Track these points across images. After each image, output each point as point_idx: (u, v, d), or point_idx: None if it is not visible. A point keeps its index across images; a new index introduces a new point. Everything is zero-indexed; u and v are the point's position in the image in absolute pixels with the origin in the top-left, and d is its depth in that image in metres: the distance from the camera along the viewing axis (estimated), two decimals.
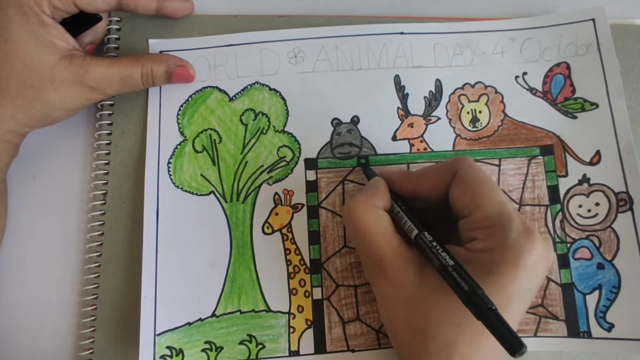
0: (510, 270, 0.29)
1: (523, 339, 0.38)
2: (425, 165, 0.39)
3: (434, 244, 0.31)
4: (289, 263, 0.38)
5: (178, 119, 0.40)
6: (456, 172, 0.33)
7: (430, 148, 0.40)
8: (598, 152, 0.40)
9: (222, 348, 0.37)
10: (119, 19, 0.42)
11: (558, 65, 0.42)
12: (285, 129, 0.40)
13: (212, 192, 0.39)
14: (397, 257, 0.31)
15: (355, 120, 0.40)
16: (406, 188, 0.34)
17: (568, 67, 0.41)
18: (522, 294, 0.29)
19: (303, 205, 0.39)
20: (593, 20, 0.42)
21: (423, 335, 0.30)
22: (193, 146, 0.40)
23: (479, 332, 0.29)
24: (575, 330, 0.37)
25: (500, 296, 0.28)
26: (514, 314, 0.29)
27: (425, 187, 0.34)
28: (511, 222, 0.30)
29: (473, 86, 0.41)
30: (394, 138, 0.40)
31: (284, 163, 0.40)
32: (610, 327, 0.37)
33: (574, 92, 0.41)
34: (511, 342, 0.26)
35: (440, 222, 0.34)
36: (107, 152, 0.40)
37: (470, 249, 0.31)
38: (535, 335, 0.37)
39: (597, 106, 0.41)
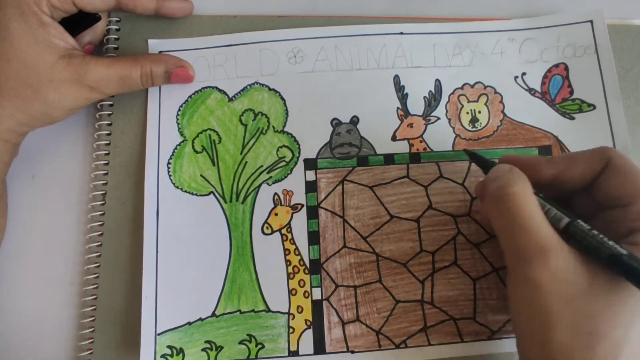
0: None
1: None
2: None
3: (595, 231, 0.28)
4: (288, 263, 0.38)
5: (177, 119, 0.40)
6: (610, 160, 0.31)
7: (430, 148, 0.40)
8: None
9: (222, 347, 0.37)
10: (118, 19, 0.42)
11: (557, 66, 0.42)
12: (285, 129, 0.40)
13: (211, 192, 0.39)
14: (563, 250, 0.28)
15: (354, 121, 0.40)
16: (548, 174, 0.32)
17: (566, 68, 0.42)
18: None
19: (302, 205, 0.39)
20: (591, 22, 0.42)
21: (590, 337, 0.27)
22: (193, 146, 0.40)
23: None
24: None
25: None
26: None
27: (572, 172, 0.32)
28: None
29: (472, 86, 0.41)
30: (394, 138, 0.40)
31: (284, 163, 0.40)
32: None
33: (572, 93, 0.41)
34: None
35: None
36: (107, 152, 0.40)
37: (634, 242, 0.29)
38: None
39: (595, 107, 0.41)
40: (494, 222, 0.32)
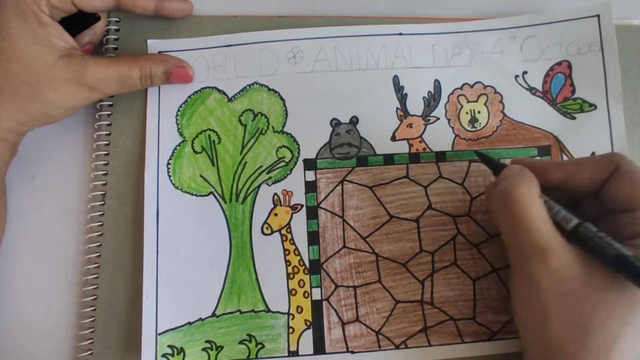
0: None
1: (519, 340, 0.38)
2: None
3: (602, 234, 0.30)
4: (288, 263, 0.38)
5: (177, 119, 0.40)
6: (618, 166, 0.32)
7: (429, 148, 0.40)
8: (593, 154, 0.40)
9: (222, 347, 0.37)
10: (117, 19, 0.42)
11: (559, 64, 0.41)
12: (284, 130, 0.40)
13: (211, 192, 0.39)
14: (563, 249, 0.30)
15: (354, 121, 0.40)
16: (556, 178, 0.33)
17: (569, 66, 0.41)
18: None
19: (302, 205, 0.39)
20: (598, 16, 0.41)
21: (583, 331, 0.29)
22: (192, 147, 0.40)
23: (638, 326, 0.29)
24: None
25: None
26: None
27: (580, 177, 0.33)
28: None
29: (472, 86, 0.41)
30: (393, 138, 0.40)
31: (283, 163, 0.40)
32: None
33: (573, 92, 0.41)
34: None
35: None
36: (107, 152, 0.40)
37: (639, 245, 0.30)
38: None
39: (596, 107, 0.41)
40: (498, 221, 0.33)
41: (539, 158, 0.40)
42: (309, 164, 0.40)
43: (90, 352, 0.37)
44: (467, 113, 0.41)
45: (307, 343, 0.37)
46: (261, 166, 0.40)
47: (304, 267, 0.38)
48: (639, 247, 0.30)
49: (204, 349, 0.37)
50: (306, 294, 0.38)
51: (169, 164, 0.40)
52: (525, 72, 0.41)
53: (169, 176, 0.39)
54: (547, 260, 0.30)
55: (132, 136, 0.40)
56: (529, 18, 0.42)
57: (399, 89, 0.41)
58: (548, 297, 0.30)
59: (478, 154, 0.38)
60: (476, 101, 0.41)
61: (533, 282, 0.31)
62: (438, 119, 0.41)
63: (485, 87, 0.41)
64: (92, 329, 0.38)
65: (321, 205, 0.39)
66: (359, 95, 0.41)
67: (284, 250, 0.39)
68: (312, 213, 0.39)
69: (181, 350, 0.37)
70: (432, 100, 0.41)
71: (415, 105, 0.41)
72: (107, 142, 0.40)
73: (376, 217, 0.39)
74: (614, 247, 0.29)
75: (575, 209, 0.33)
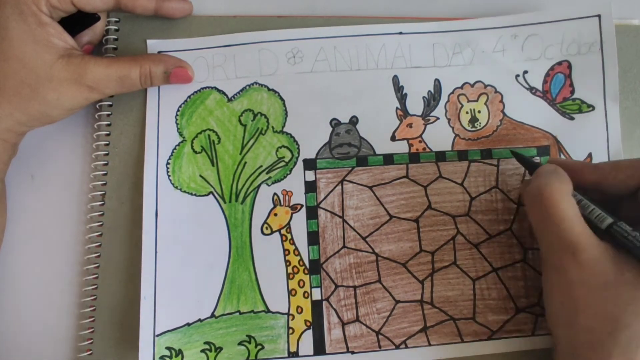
0: None
1: (521, 339, 0.38)
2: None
3: (636, 233, 0.31)
4: (288, 264, 0.38)
5: (177, 119, 0.40)
6: None
7: (429, 148, 0.40)
8: (590, 155, 0.40)
9: (221, 349, 0.37)
10: (117, 19, 0.42)
11: (560, 63, 0.41)
12: (284, 130, 0.40)
13: (211, 192, 0.39)
14: (593, 245, 0.31)
15: (354, 121, 0.40)
16: (591, 179, 0.34)
17: (569, 66, 0.41)
18: None
19: (302, 205, 0.39)
20: (599, 16, 0.41)
21: (615, 324, 0.30)
22: (192, 147, 0.40)
23: None
24: None
25: None
26: None
27: (615, 179, 0.34)
28: None
29: (472, 85, 0.41)
30: (393, 138, 0.40)
31: (283, 163, 0.40)
32: None
33: (573, 92, 0.41)
34: None
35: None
36: (106, 152, 0.40)
37: None
38: (532, 334, 0.38)
39: (594, 108, 0.41)
40: (530, 218, 0.35)
41: (538, 159, 0.40)
42: (309, 164, 0.40)
43: (90, 352, 0.37)
44: (467, 113, 0.41)
45: (307, 343, 0.37)
46: (261, 166, 0.40)
47: (303, 267, 0.38)
48: None
49: (202, 351, 0.37)
50: (306, 294, 0.38)
51: (168, 163, 0.39)
52: (525, 72, 0.41)
53: (169, 176, 0.39)
54: (577, 255, 0.31)
55: (131, 136, 0.40)
56: (531, 16, 0.41)
57: (398, 89, 0.41)
58: (579, 290, 0.31)
59: (514, 153, 0.39)
60: (476, 100, 0.41)
61: (565, 276, 0.32)
62: (438, 118, 0.41)
63: (485, 86, 0.41)
64: (92, 329, 0.38)
65: (321, 205, 0.39)
66: (358, 95, 0.41)
67: (284, 250, 0.38)
68: (312, 213, 0.39)
69: (179, 352, 0.37)
70: (432, 100, 0.41)
71: (415, 105, 0.41)
72: (107, 142, 0.40)
73: (376, 217, 0.39)
74: None
75: (616, 209, 0.34)
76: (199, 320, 0.37)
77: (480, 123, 0.41)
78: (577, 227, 0.31)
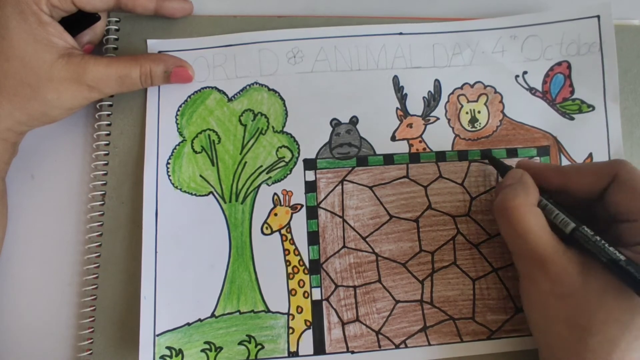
0: None
1: (520, 339, 0.38)
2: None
3: (598, 237, 0.31)
4: (288, 263, 0.38)
5: (177, 119, 0.40)
6: (617, 174, 0.32)
7: (429, 148, 0.40)
8: (590, 155, 0.40)
9: (221, 348, 0.37)
10: (117, 19, 0.42)
11: (559, 64, 0.41)
12: (284, 130, 0.40)
13: (211, 192, 0.39)
14: (558, 256, 0.31)
15: (354, 121, 0.40)
16: (556, 182, 0.34)
17: (569, 67, 0.41)
18: None
19: (302, 205, 0.39)
20: (598, 17, 0.41)
21: (584, 332, 0.30)
22: (192, 147, 0.40)
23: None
24: None
25: None
26: None
27: (579, 183, 0.34)
28: None
29: (472, 86, 0.41)
30: (393, 138, 0.40)
31: (283, 163, 0.40)
32: None
33: (572, 92, 0.41)
34: None
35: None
36: (106, 152, 0.40)
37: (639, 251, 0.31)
38: (530, 334, 0.38)
39: (594, 108, 0.41)
40: (500, 230, 0.35)
41: (538, 159, 0.40)
42: (309, 164, 0.40)
43: (90, 352, 0.37)
44: (467, 113, 0.41)
45: (307, 343, 0.37)
46: (261, 166, 0.40)
47: (303, 267, 0.38)
48: (639, 253, 0.31)
49: (202, 350, 0.37)
50: (306, 294, 0.38)
51: (168, 163, 0.39)
52: (525, 72, 0.41)
53: (169, 176, 0.39)
54: (545, 267, 0.31)
55: (131, 136, 0.40)
56: (531, 17, 0.42)
57: (398, 89, 0.41)
58: (549, 300, 0.32)
59: (487, 156, 0.39)
60: (476, 101, 0.41)
61: (536, 286, 0.32)
62: (438, 118, 0.41)
63: (485, 86, 0.41)
64: (92, 329, 0.38)
65: (321, 205, 0.39)
66: (358, 95, 0.41)
67: (284, 250, 0.39)
68: (312, 213, 0.39)
69: (180, 352, 0.37)
70: (432, 100, 0.41)
71: (415, 105, 0.41)
72: (107, 142, 0.40)
73: (376, 217, 0.39)
74: (607, 251, 0.30)
75: (586, 214, 0.34)
76: (199, 320, 0.37)
77: (480, 123, 0.41)
78: (542, 240, 0.31)
